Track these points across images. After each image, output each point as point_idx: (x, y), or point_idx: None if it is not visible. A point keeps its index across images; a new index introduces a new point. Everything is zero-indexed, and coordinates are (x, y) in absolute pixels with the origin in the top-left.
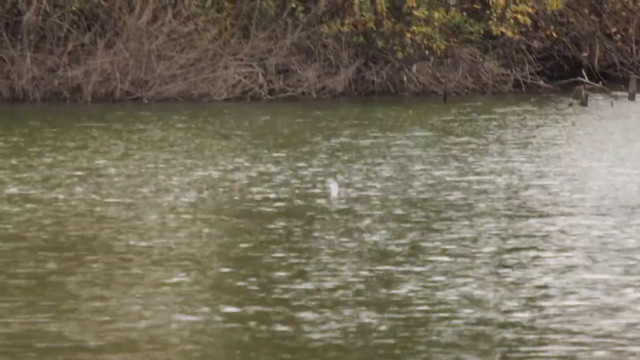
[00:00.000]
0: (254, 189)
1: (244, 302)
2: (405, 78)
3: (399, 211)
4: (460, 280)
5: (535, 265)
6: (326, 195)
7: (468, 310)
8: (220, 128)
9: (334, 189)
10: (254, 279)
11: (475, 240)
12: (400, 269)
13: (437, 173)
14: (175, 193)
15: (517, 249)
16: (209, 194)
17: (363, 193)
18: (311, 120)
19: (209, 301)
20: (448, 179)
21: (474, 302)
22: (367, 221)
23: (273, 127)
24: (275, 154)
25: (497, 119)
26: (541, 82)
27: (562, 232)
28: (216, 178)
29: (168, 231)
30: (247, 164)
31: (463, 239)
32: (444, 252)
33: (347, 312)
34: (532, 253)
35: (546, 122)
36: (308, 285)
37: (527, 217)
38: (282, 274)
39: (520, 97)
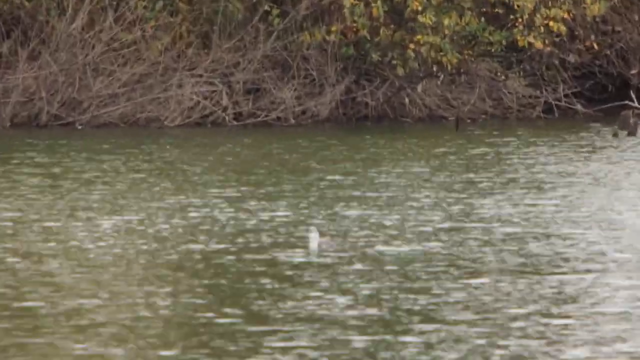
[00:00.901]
0: (201, 238)
1: None
2: (407, 100)
3: (387, 268)
4: None
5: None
6: (304, 247)
7: None
8: (168, 161)
9: (313, 239)
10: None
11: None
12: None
13: (436, 218)
14: (87, 244)
15: (536, 313)
16: (135, 245)
17: (348, 245)
18: (287, 152)
19: None
20: (450, 226)
21: None
22: (351, 282)
23: (237, 160)
24: (234, 193)
25: (522, 152)
26: (578, 106)
27: (590, 292)
28: (150, 223)
29: (86, 295)
30: (195, 206)
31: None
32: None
33: None
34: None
35: (583, 157)
36: None
37: (545, 275)
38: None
39: (552, 124)
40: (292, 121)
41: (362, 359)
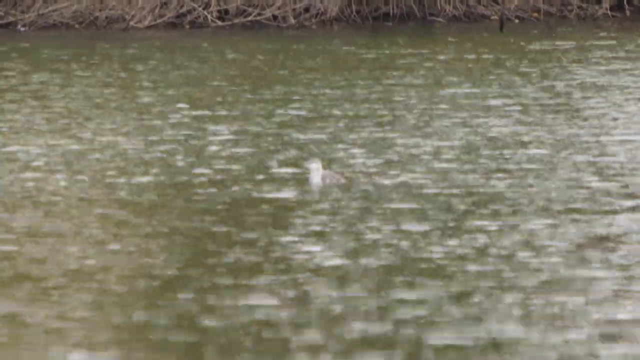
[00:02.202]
0: (180, 165)
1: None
2: None
3: (412, 207)
4: None
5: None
6: (305, 181)
7: None
8: (133, 74)
9: (315, 171)
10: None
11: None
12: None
13: (473, 144)
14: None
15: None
16: (100, 176)
17: (360, 178)
18: (283, 59)
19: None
20: (490, 155)
21: None
22: (363, 223)
23: (219, 71)
24: (214, 112)
25: (582, 59)
26: None
27: None
28: (114, 149)
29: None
30: (171, 128)
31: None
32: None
33: None
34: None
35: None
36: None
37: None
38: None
39: (622, 25)
40: (292, 21)
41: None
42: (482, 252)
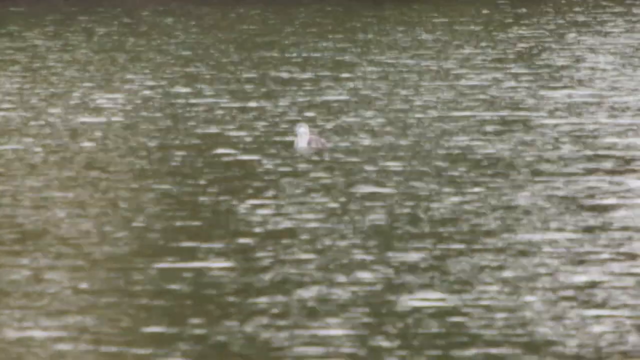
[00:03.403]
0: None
1: None
2: None
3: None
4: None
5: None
6: (291, 144)
7: None
8: (131, 39)
9: (303, 135)
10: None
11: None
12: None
13: (459, 119)
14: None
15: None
16: (112, 140)
17: (344, 144)
18: (275, 26)
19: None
20: (471, 114)
21: None
22: (348, 189)
23: (219, 37)
24: (208, 74)
25: (583, 23)
26: None
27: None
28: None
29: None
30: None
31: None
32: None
33: None
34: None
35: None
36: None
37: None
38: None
39: None
40: None
41: None
42: (455, 215)
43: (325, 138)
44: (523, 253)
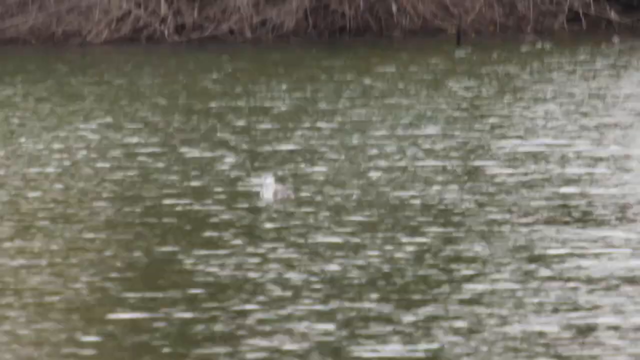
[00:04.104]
0: (122, 182)
1: None
2: (394, 8)
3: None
4: None
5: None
6: (256, 197)
7: None
8: (88, 86)
9: (269, 186)
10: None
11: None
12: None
13: (424, 164)
14: None
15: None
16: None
17: (305, 194)
18: (239, 74)
19: None
20: (443, 172)
21: None
22: (317, 238)
23: (176, 86)
24: (161, 122)
25: (538, 73)
26: (612, 14)
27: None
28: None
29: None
30: (123, 145)
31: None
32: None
33: None
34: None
35: (618, 81)
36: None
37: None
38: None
39: (579, 38)
40: (249, 35)
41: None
42: (421, 259)
43: (290, 189)
44: (476, 302)
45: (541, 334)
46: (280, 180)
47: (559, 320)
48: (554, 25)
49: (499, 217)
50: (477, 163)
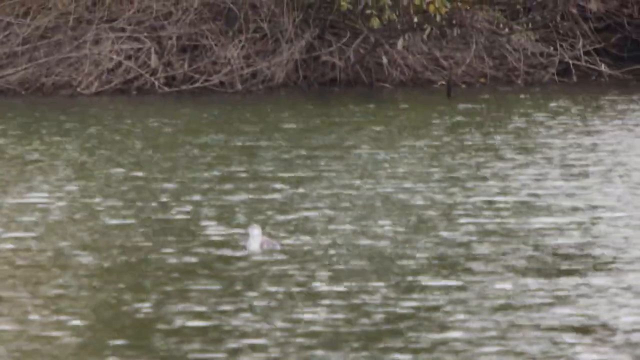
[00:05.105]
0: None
1: None
2: (384, 60)
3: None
4: None
5: None
6: (241, 248)
7: None
8: (80, 140)
9: (255, 237)
10: None
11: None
12: None
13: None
14: None
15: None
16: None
17: (291, 243)
18: (230, 127)
19: None
20: (414, 216)
21: None
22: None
23: (163, 137)
24: (154, 182)
25: (530, 126)
26: (602, 67)
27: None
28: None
29: None
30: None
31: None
32: None
33: None
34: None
35: (607, 135)
36: None
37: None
38: None
39: (570, 90)
40: (239, 87)
41: None
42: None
43: (276, 239)
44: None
45: None
46: (265, 231)
47: None
48: (544, 77)
49: (475, 265)
50: (459, 213)
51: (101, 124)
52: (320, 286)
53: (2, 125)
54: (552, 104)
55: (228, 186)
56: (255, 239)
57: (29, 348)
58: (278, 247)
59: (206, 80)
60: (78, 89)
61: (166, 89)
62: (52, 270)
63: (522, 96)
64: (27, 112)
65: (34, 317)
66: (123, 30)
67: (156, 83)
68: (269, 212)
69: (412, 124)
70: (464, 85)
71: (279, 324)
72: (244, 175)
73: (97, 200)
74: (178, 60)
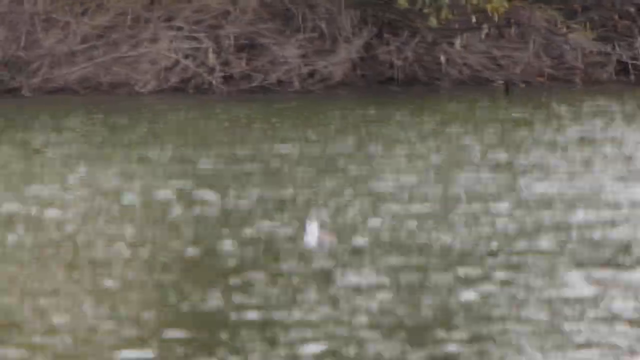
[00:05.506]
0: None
1: None
2: (442, 59)
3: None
4: None
5: None
6: (299, 243)
7: None
8: (132, 139)
9: (313, 233)
10: None
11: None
12: None
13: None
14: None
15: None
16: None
17: (348, 239)
18: (288, 125)
19: None
20: (467, 210)
21: None
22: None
23: (222, 137)
24: (213, 182)
25: (589, 126)
26: None
27: None
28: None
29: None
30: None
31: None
32: None
33: None
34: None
35: None
36: None
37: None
38: None
39: (629, 89)
40: (297, 86)
41: None
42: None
43: (333, 235)
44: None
45: None
46: (323, 225)
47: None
48: (602, 76)
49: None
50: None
51: (164, 121)
52: (375, 278)
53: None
54: (608, 103)
55: (287, 180)
56: (313, 234)
57: (84, 339)
58: (335, 242)
59: (264, 79)
60: (136, 88)
61: (223, 87)
62: (112, 262)
63: (579, 94)
64: (86, 111)
65: (88, 309)
66: (181, 29)
67: (214, 82)
68: (326, 207)
69: (468, 121)
70: (522, 84)
71: (335, 316)
72: (299, 171)
73: (158, 193)
74: (236, 59)
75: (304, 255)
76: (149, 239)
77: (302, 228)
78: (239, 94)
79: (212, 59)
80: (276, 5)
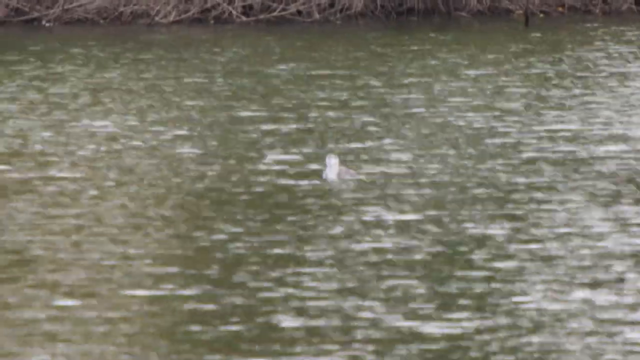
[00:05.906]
0: (192, 167)
1: None
2: None
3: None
4: None
5: None
6: (320, 176)
7: None
8: (156, 71)
9: (333, 167)
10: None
11: None
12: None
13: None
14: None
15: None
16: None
17: (370, 171)
18: (308, 57)
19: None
20: (496, 150)
21: None
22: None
23: (242, 69)
24: (240, 113)
25: (610, 59)
26: None
27: None
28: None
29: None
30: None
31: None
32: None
33: None
34: None
35: None
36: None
37: None
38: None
39: None
40: (317, 16)
41: None
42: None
43: (353, 169)
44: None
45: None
46: (344, 160)
47: None
48: (622, 6)
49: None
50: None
51: (177, 53)
52: (394, 215)
53: (82, 53)
54: (629, 34)
55: (303, 113)
56: (333, 168)
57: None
58: (357, 177)
59: (283, 10)
60: (156, 18)
61: (243, 18)
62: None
63: (598, 25)
64: (106, 41)
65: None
66: None
67: (233, 12)
68: (345, 141)
69: (486, 52)
70: (541, 15)
71: (350, 251)
72: (320, 103)
73: (169, 132)
74: None
75: (323, 189)
76: (181, 171)
77: (322, 162)
78: (257, 23)
79: None
80: None
